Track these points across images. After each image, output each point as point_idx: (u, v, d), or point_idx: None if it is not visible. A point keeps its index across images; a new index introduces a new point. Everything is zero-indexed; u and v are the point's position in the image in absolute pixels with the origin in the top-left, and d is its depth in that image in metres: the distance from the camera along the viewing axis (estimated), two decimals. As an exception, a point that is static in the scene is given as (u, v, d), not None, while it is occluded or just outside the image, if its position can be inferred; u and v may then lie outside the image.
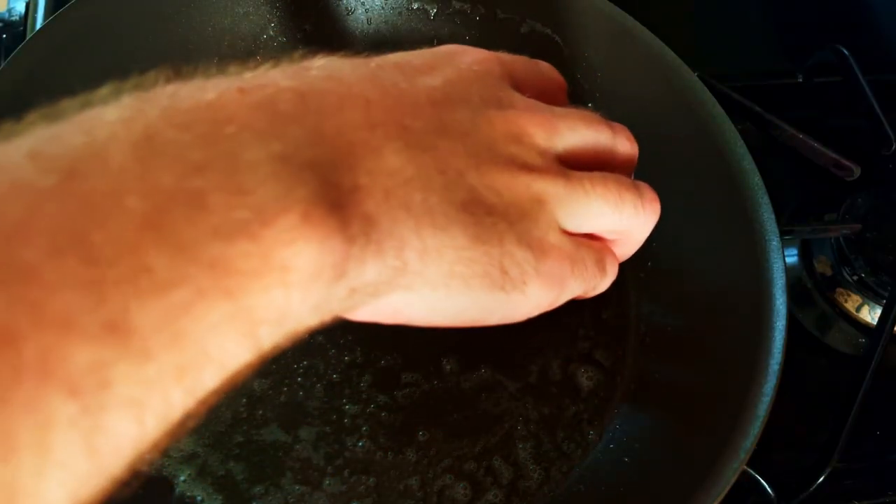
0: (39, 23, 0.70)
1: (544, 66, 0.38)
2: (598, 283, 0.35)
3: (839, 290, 0.71)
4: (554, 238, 0.31)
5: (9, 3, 0.73)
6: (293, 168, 0.22)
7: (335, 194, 0.23)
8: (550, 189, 0.31)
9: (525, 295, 0.30)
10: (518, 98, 0.32)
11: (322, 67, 0.29)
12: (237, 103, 0.25)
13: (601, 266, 0.34)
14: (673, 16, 0.86)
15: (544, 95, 0.35)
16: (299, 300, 0.22)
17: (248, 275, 0.20)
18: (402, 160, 0.26)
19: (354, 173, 0.25)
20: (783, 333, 0.53)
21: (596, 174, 0.33)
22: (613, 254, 0.36)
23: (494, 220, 0.29)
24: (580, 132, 0.34)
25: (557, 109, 0.34)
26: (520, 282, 0.30)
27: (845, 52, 0.77)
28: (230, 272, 0.20)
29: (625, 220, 0.34)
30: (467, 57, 0.33)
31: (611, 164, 0.35)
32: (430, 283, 0.27)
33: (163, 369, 0.19)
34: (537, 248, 0.30)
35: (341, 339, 0.59)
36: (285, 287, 0.21)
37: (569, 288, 0.32)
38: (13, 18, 0.72)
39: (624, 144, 0.37)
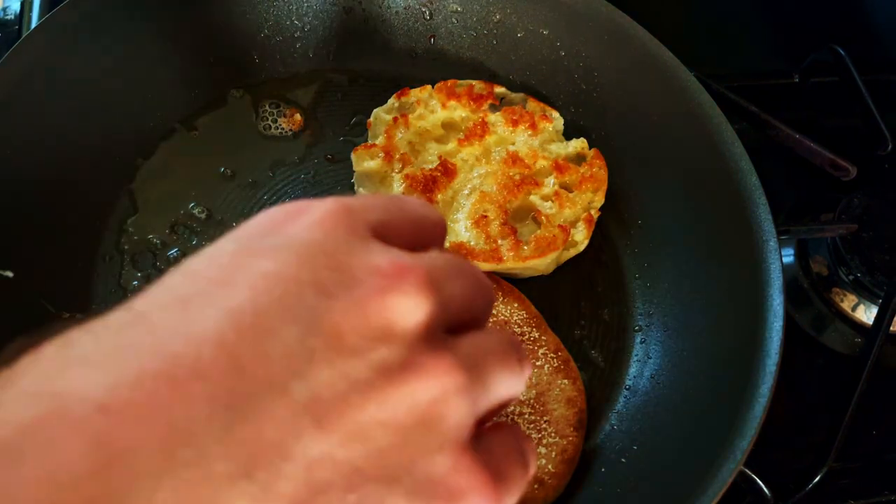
0: (35, 22, 0.70)
1: (412, 206, 0.29)
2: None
3: (835, 289, 0.71)
4: (464, 463, 0.25)
5: (4, 1, 0.73)
6: None
7: None
8: (448, 388, 0.25)
9: None
10: (377, 254, 0.25)
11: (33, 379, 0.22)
12: None
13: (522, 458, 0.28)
14: (670, 16, 0.86)
15: (418, 239, 0.28)
16: None
17: None
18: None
19: None
20: (780, 334, 0.53)
21: (483, 345, 0.27)
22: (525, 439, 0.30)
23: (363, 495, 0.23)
24: (458, 287, 0.27)
25: (428, 259, 0.26)
26: None
27: (841, 52, 0.77)
28: None
29: (522, 383, 0.28)
30: (297, 224, 0.26)
31: (483, 311, 0.30)
32: None
33: None
34: (444, 495, 0.25)
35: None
36: None
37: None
38: (8, 17, 0.72)
39: (491, 291, 0.30)
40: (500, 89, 0.69)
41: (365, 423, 0.23)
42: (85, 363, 0.22)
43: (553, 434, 0.55)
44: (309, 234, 0.25)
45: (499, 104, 0.69)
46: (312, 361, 0.23)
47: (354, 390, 0.23)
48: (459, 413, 0.25)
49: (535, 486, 0.53)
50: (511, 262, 0.61)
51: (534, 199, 0.64)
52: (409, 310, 0.24)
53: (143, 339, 0.23)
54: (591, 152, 0.66)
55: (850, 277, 0.69)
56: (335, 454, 0.23)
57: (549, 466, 0.54)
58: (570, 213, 0.64)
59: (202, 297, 0.24)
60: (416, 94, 0.68)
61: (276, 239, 0.25)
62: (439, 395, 0.24)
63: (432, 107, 0.67)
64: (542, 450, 0.55)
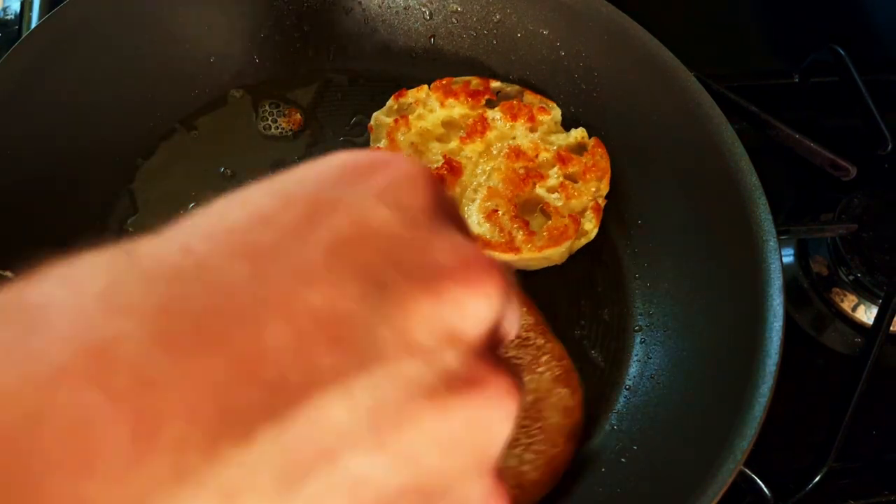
0: (35, 21, 0.70)
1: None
2: None
3: (835, 289, 0.71)
4: (496, 493, 0.23)
5: (4, 1, 0.73)
6: None
7: None
8: (504, 412, 0.22)
9: None
10: (460, 239, 0.22)
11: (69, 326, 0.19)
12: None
13: None
14: (670, 16, 0.86)
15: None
16: None
17: None
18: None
19: None
20: (780, 334, 0.53)
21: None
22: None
23: None
24: (510, 306, 0.24)
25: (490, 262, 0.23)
26: None
27: (841, 52, 0.77)
28: None
29: None
30: (378, 178, 0.22)
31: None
32: None
33: None
34: None
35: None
36: None
37: None
38: (8, 17, 0.72)
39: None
40: (495, 83, 0.69)
41: (419, 440, 0.20)
42: (132, 314, 0.19)
43: (543, 442, 0.54)
44: (393, 195, 0.21)
45: (496, 98, 0.69)
46: (380, 356, 0.20)
47: (414, 397, 0.20)
48: (503, 438, 0.22)
49: (516, 490, 0.53)
50: (528, 252, 0.61)
51: (540, 191, 0.65)
52: (483, 313, 0.21)
53: (202, 295, 0.19)
54: (592, 141, 0.67)
55: (850, 277, 0.69)
56: (384, 475, 0.20)
57: (533, 473, 0.53)
58: (577, 203, 0.64)
59: (270, 253, 0.20)
60: (413, 94, 0.68)
61: (353, 191, 0.21)
62: (497, 417, 0.22)
63: (431, 106, 0.67)
64: (530, 456, 0.54)
